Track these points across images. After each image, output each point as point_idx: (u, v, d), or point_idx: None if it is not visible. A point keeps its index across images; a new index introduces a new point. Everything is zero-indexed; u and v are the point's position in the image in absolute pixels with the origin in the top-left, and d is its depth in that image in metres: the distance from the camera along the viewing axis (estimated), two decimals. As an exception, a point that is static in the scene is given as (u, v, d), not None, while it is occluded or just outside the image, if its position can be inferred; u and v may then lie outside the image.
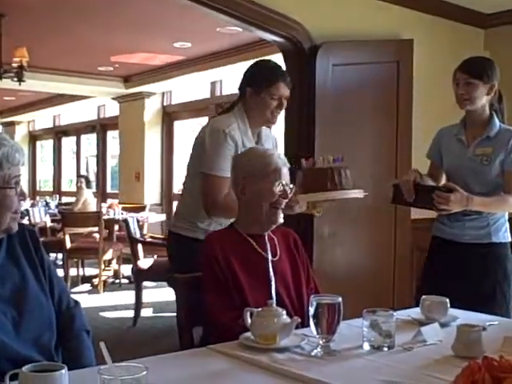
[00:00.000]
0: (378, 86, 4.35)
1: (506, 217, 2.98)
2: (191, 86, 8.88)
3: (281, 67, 2.86)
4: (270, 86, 2.73)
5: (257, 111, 2.79)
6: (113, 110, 10.56)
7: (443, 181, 3.11)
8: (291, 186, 2.23)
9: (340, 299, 1.75)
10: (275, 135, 3.07)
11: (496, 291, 2.89)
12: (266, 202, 2.17)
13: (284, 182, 2.19)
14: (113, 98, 9.76)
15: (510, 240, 2.97)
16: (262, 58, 3.06)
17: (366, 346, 1.77)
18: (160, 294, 6.50)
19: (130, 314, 5.57)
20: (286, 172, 2.22)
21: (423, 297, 2.15)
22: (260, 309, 1.85)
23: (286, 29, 4.09)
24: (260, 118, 2.80)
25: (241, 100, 2.83)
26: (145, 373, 1.23)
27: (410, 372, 1.58)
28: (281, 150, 4.19)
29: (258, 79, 2.78)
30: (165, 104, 9.43)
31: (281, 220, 2.23)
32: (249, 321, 1.84)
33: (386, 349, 1.76)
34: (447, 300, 2.11)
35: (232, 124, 2.73)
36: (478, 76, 2.86)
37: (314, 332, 1.74)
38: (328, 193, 2.53)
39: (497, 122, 2.92)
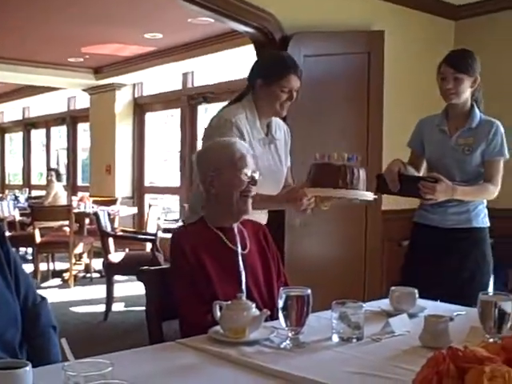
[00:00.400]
0: (350, 76, 4.35)
1: (485, 203, 3.08)
2: (163, 78, 8.81)
3: (292, 59, 2.80)
4: (281, 78, 2.68)
5: (266, 102, 2.74)
6: (83, 101, 10.44)
7: (423, 169, 3.22)
8: (258, 172, 2.22)
9: (309, 291, 1.75)
10: (283, 123, 2.98)
11: (476, 274, 3.00)
12: (237, 191, 2.16)
13: (251, 169, 2.19)
14: (83, 90, 9.64)
15: (488, 225, 3.08)
16: (273, 51, 3.03)
17: (335, 338, 1.77)
18: (131, 288, 6.45)
19: (102, 308, 5.53)
20: (251, 159, 2.21)
21: (392, 288, 2.16)
22: (229, 302, 1.83)
23: (257, 19, 4.06)
24: (269, 109, 2.75)
25: (250, 90, 2.80)
26: (110, 369, 1.21)
27: (378, 363, 1.59)
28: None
29: (269, 71, 2.74)
30: (136, 96, 9.34)
31: (250, 209, 2.22)
32: (218, 314, 1.83)
33: (354, 340, 1.76)
34: (415, 291, 2.12)
35: (239, 114, 2.70)
36: (464, 70, 2.94)
37: (283, 324, 1.73)
38: (338, 190, 2.45)
39: (478, 113, 3.01)
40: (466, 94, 2.99)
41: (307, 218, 3.97)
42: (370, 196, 2.51)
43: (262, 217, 2.75)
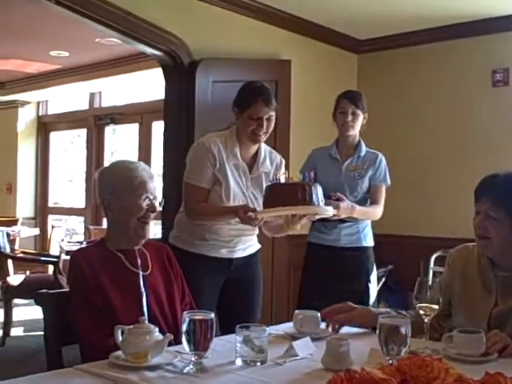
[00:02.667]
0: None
1: (370, 225, 3.52)
2: (69, 97, 8.61)
3: (263, 88, 2.82)
4: (249, 106, 2.76)
5: (241, 130, 2.83)
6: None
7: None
8: (160, 199, 2.21)
9: (213, 315, 1.75)
10: (279, 158, 3.03)
11: (368, 288, 3.42)
12: (134, 217, 2.14)
13: (151, 196, 2.16)
14: (-17, 106, 9.25)
15: (373, 244, 3.53)
16: (252, 80, 3.02)
17: (239, 362, 1.77)
18: (31, 311, 6.19)
19: (-1, 333, 5.27)
20: (152, 185, 2.20)
21: (296, 312, 2.20)
22: (131, 326, 1.80)
23: (165, 43, 4.07)
24: (244, 136, 2.83)
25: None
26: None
27: (280, 386, 1.61)
28: (160, 164, 4.16)
29: (240, 99, 2.83)
30: (40, 114, 9.06)
31: (148, 235, 2.21)
32: (120, 338, 1.79)
33: (258, 364, 1.76)
34: (318, 314, 2.16)
35: (216, 140, 2.82)
36: (361, 108, 3.41)
37: (187, 349, 1.71)
38: (296, 207, 2.52)
39: (363, 144, 3.50)
40: (359, 127, 3.46)
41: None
42: (330, 211, 2.66)
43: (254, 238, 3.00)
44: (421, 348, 1.90)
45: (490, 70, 4.85)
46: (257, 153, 2.91)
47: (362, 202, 3.40)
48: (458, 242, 2.54)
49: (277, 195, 2.55)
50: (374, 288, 3.49)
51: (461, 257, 2.28)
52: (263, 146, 2.93)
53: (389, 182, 3.47)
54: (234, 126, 2.89)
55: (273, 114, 2.78)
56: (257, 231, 2.98)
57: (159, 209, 2.21)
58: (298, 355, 1.87)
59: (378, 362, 1.57)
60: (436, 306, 1.99)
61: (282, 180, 2.60)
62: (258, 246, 3.06)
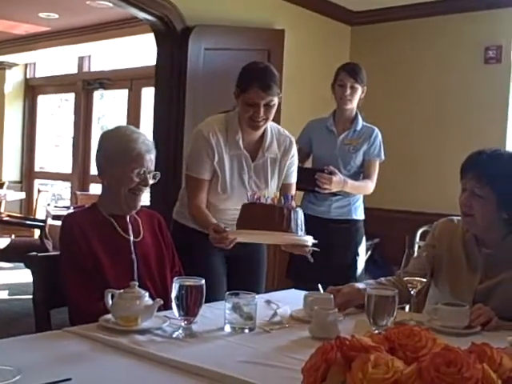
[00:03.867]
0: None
1: (362, 199, 3.54)
2: (57, 60, 8.49)
3: (262, 71, 2.55)
4: (245, 91, 2.52)
5: (240, 115, 2.60)
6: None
7: (306, 165, 3.58)
8: (155, 173, 2.19)
9: (203, 281, 1.76)
10: (289, 140, 2.74)
11: (356, 260, 3.45)
12: (125, 188, 2.13)
13: (144, 170, 2.14)
14: (-31, 67, 9.11)
15: (363, 218, 3.55)
16: (255, 61, 2.74)
17: (228, 328, 1.79)
18: (17, 275, 6.19)
19: (-18, 296, 5.28)
20: (149, 158, 2.16)
21: (306, 293, 2.09)
22: (122, 290, 1.81)
23: (157, 7, 4.02)
24: (243, 122, 2.60)
25: None
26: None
27: (268, 353, 1.62)
28: (149, 132, 4.14)
29: (238, 81, 2.58)
30: (28, 76, 8.94)
31: (139, 205, 2.20)
32: (110, 302, 1.80)
33: (246, 331, 1.79)
34: (331, 296, 2.04)
35: (215, 128, 2.60)
36: (359, 81, 3.38)
37: (176, 314, 1.73)
38: (274, 234, 2.25)
39: (360, 119, 3.48)
40: (357, 101, 3.44)
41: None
42: (309, 241, 2.34)
43: None
44: (406, 319, 1.92)
45: (483, 47, 4.84)
46: (262, 137, 2.66)
47: (355, 176, 3.42)
48: (444, 216, 2.56)
49: (253, 216, 2.29)
50: (361, 261, 3.51)
51: (447, 230, 2.30)
52: (270, 127, 2.69)
53: (383, 157, 3.49)
54: (237, 108, 2.66)
55: (272, 99, 2.50)
56: None
57: (153, 182, 2.18)
58: (282, 321, 1.90)
59: (365, 331, 1.60)
60: (424, 280, 2.01)
61: (262, 200, 2.32)
62: None
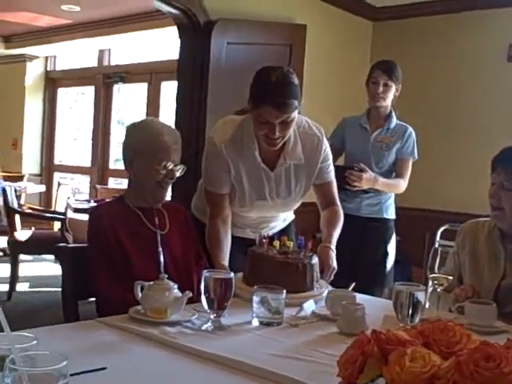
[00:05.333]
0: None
1: (393, 198, 3.52)
2: (78, 53, 8.54)
3: (277, 85, 2.16)
4: (256, 107, 2.19)
5: (255, 129, 2.29)
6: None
7: (339, 162, 3.55)
8: (181, 166, 2.19)
9: (232, 274, 1.77)
10: (317, 139, 2.42)
11: (385, 259, 3.43)
12: (151, 180, 2.14)
13: (172, 163, 2.15)
14: (-9, 59, 9.20)
15: (394, 217, 3.52)
16: (269, 65, 2.26)
17: (255, 322, 1.81)
18: (37, 268, 6.25)
19: (4, 288, 5.31)
20: (176, 151, 2.16)
21: (329, 290, 2.08)
22: (151, 282, 1.83)
23: (181, 1, 4.03)
24: (259, 137, 2.30)
25: None
26: (35, 342, 1.18)
27: (296, 347, 1.63)
28: (171, 123, 4.15)
29: (250, 93, 2.23)
30: (48, 69, 9.00)
31: (166, 198, 2.22)
32: (139, 294, 1.82)
33: (274, 325, 1.80)
34: (354, 294, 2.03)
35: (228, 136, 2.34)
36: (394, 79, 3.36)
37: (206, 306, 1.74)
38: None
39: (395, 116, 3.46)
40: (390, 98, 3.42)
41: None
42: (324, 290, 2.13)
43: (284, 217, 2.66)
44: (433, 317, 1.92)
45: (507, 44, 4.80)
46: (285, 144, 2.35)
47: (387, 174, 3.40)
48: (466, 216, 2.56)
49: (263, 273, 2.04)
50: (390, 260, 3.48)
51: (471, 232, 2.30)
52: (294, 127, 2.33)
53: (416, 156, 3.46)
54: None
55: (289, 116, 2.17)
56: (287, 215, 2.66)
57: (179, 175, 2.19)
58: (307, 317, 1.91)
59: (393, 327, 1.60)
60: (450, 277, 2.01)
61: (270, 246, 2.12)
62: (289, 220, 2.73)
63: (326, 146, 2.47)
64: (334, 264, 2.29)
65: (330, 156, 2.51)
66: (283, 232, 2.55)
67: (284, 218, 2.67)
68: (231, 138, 2.34)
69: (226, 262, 2.23)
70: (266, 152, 2.35)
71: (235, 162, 2.35)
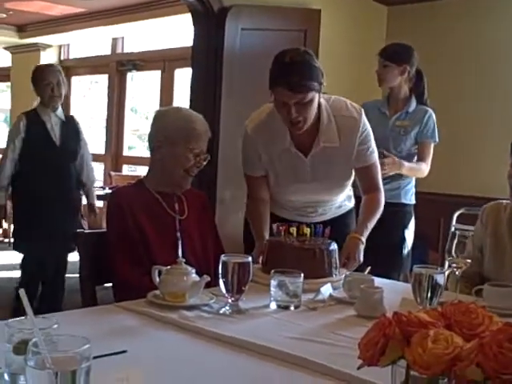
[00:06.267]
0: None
1: (413, 183, 3.46)
2: (91, 41, 8.54)
3: (289, 66, 2.16)
4: (272, 88, 2.20)
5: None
6: (3, 60, 9.98)
7: None
8: (207, 155, 2.20)
9: (250, 258, 1.77)
10: (353, 121, 2.38)
11: (403, 244, 3.41)
12: (180, 168, 2.15)
13: (201, 152, 2.16)
14: (5, 48, 9.21)
15: (414, 202, 3.50)
16: (284, 50, 2.24)
17: (273, 305, 1.81)
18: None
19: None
20: (205, 140, 2.19)
21: (346, 273, 2.07)
22: (169, 267, 1.83)
23: (195, -13, 4.01)
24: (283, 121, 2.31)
25: None
26: (56, 326, 1.19)
27: (315, 330, 1.63)
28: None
29: (269, 75, 2.23)
30: (62, 58, 9.01)
31: (189, 186, 2.23)
32: (157, 279, 1.83)
33: (292, 308, 1.80)
34: (372, 277, 2.02)
35: (260, 122, 2.39)
36: (390, 59, 3.34)
37: (223, 290, 1.75)
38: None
39: (414, 100, 3.42)
40: (396, 80, 3.38)
41: (237, 192, 4.01)
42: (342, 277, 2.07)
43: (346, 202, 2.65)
44: (452, 300, 1.91)
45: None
46: (318, 124, 2.33)
47: (405, 158, 3.36)
48: (482, 200, 2.54)
49: (281, 259, 2.02)
50: (408, 245, 3.45)
51: (493, 213, 2.29)
52: (327, 111, 2.34)
53: (437, 139, 3.43)
54: None
55: (304, 96, 2.16)
56: (341, 201, 2.60)
57: (204, 163, 2.20)
58: (325, 300, 1.90)
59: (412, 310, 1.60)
60: (468, 260, 1.99)
61: (289, 234, 2.12)
62: (346, 208, 2.66)
63: (365, 127, 2.41)
64: (361, 257, 2.27)
65: (370, 138, 2.44)
66: (338, 220, 2.56)
67: (338, 204, 2.60)
68: (262, 122, 2.39)
69: (266, 234, 2.31)
70: (299, 136, 2.34)
71: (266, 146, 2.38)
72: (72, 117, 4.47)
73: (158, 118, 2.23)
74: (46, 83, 4.31)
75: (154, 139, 2.20)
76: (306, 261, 2.04)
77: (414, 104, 3.43)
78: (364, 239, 2.32)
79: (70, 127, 4.28)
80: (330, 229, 2.19)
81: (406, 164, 3.29)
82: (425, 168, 3.38)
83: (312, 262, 2.06)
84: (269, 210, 2.46)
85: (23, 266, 4.31)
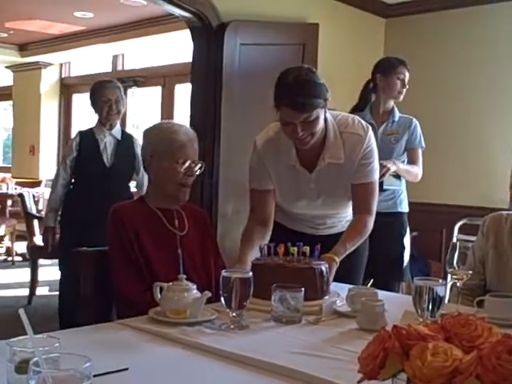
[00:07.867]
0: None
1: (405, 191, 3.52)
2: (92, 59, 8.60)
3: (293, 86, 2.14)
4: (277, 107, 2.19)
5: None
6: (5, 79, 10.05)
7: None
8: (200, 162, 2.21)
9: (251, 274, 1.78)
10: (357, 138, 2.33)
11: (403, 253, 3.48)
12: (172, 181, 2.15)
13: (189, 160, 2.16)
14: (6, 67, 9.28)
15: (408, 211, 3.58)
16: (291, 67, 2.24)
17: (275, 321, 1.81)
18: (56, 272, 6.27)
19: (24, 292, 5.38)
20: (192, 149, 2.18)
21: (349, 287, 2.04)
22: (170, 283, 1.84)
23: (193, 4, 4.04)
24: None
25: None
26: (57, 344, 1.19)
27: (317, 344, 1.63)
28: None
29: (273, 96, 2.21)
30: (63, 76, 9.08)
31: (187, 198, 2.23)
32: (158, 295, 1.83)
33: (294, 323, 1.80)
34: (375, 290, 2.01)
35: (268, 137, 2.38)
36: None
37: (225, 306, 1.75)
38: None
39: (397, 109, 3.58)
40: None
41: (239, 206, 4.02)
42: (337, 299, 2.06)
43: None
44: (453, 312, 1.91)
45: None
46: (324, 140, 2.31)
47: None
48: (483, 210, 2.55)
49: (273, 281, 1.84)
50: (407, 253, 3.54)
51: (494, 225, 2.29)
52: (334, 127, 2.32)
53: (423, 145, 3.55)
54: None
55: (308, 115, 2.14)
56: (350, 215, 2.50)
57: (198, 172, 2.21)
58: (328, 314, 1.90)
59: (413, 322, 1.60)
60: (469, 272, 1.99)
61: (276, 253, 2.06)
62: None
63: (369, 145, 2.35)
64: (331, 279, 2.13)
65: (373, 155, 2.37)
66: None
67: (349, 218, 2.52)
68: (270, 138, 2.38)
69: (247, 257, 2.19)
70: (304, 152, 2.32)
71: (272, 161, 2.37)
72: (130, 136, 4.12)
73: (145, 136, 2.26)
74: (105, 100, 4.00)
75: (144, 157, 2.24)
76: (307, 281, 1.96)
77: (397, 113, 3.56)
78: (339, 260, 2.20)
79: (126, 147, 3.99)
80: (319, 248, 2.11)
81: (401, 165, 3.39)
82: (418, 170, 3.49)
83: (305, 284, 1.89)
84: (265, 235, 2.37)
85: (63, 285, 4.20)
